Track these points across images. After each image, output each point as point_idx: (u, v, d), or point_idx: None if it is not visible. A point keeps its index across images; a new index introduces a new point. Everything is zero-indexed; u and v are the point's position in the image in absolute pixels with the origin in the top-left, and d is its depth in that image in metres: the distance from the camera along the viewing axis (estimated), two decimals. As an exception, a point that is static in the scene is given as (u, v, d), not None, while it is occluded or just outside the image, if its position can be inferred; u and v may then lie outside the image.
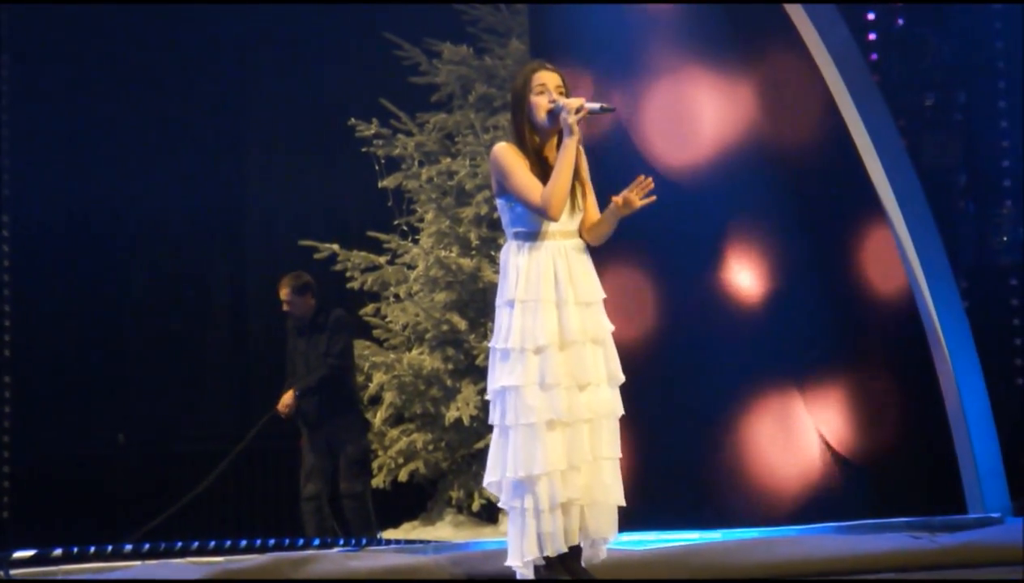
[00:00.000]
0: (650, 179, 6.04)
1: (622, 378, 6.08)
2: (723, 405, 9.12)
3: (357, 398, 10.47)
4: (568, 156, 5.97)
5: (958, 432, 8.46)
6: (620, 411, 6.09)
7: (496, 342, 6.04)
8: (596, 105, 6.03)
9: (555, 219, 6.01)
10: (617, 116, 8.96)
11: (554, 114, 6.05)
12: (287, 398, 9.90)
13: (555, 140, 6.11)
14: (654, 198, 6.04)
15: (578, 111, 5.97)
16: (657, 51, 9.36)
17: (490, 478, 6.09)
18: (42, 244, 10.77)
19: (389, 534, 10.77)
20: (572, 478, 5.94)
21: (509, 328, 5.99)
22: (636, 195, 6.03)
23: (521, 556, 5.93)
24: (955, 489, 8.45)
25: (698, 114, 9.25)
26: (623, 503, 6.08)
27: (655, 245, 9.12)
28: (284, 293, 10.03)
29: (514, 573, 6.04)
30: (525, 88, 6.10)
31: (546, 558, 5.95)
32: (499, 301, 6.10)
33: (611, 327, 6.09)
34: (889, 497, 8.61)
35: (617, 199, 6.02)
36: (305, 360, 10.00)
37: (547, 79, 6.10)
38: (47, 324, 11.03)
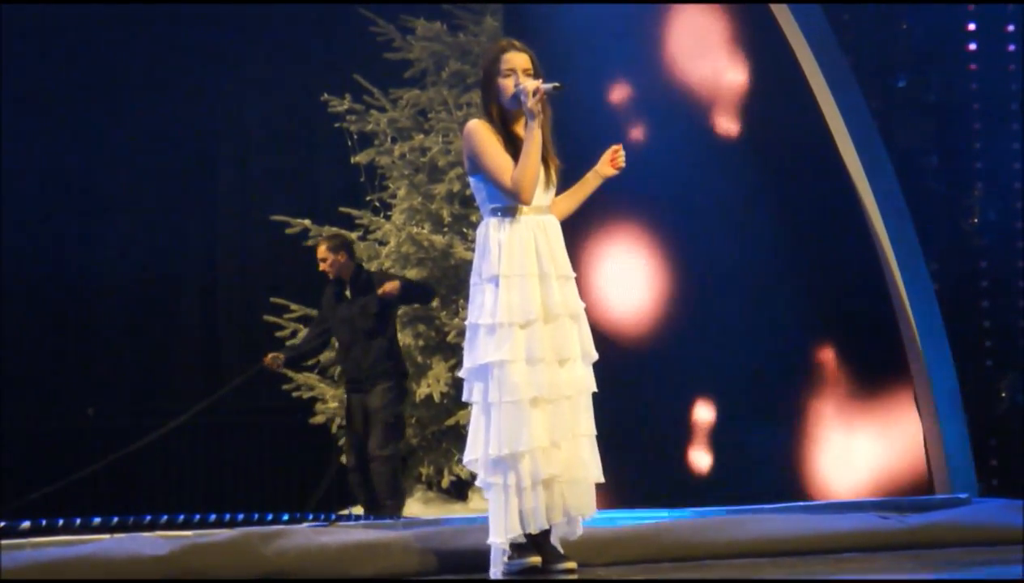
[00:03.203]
0: (619, 146, 6.14)
1: (595, 355, 6.09)
2: (694, 386, 9.14)
3: (403, 366, 10.15)
4: (533, 139, 5.97)
5: (927, 413, 8.49)
6: (594, 387, 6.10)
7: (480, 318, 6.00)
8: (549, 85, 6.02)
9: (527, 202, 6.02)
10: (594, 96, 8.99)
11: (518, 97, 6.05)
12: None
13: (524, 118, 6.12)
14: (623, 165, 6.15)
15: (535, 94, 5.98)
16: (628, 34, 9.37)
17: (471, 456, 6.05)
18: (16, 219, 10.73)
19: (359, 510, 10.78)
20: (554, 455, 5.94)
21: (495, 303, 5.96)
22: (610, 166, 6.11)
23: (505, 533, 5.93)
24: (923, 469, 8.48)
25: (671, 95, 9.27)
26: (601, 480, 6.09)
27: (635, 228, 9.15)
28: (322, 252, 9.79)
29: (488, 553, 6.05)
30: (493, 68, 6.10)
31: (526, 535, 5.96)
32: (477, 278, 6.06)
33: (583, 304, 6.11)
34: (858, 477, 8.65)
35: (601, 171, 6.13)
36: (351, 326, 9.77)
37: (515, 61, 6.08)
38: (18, 299, 11.00)
